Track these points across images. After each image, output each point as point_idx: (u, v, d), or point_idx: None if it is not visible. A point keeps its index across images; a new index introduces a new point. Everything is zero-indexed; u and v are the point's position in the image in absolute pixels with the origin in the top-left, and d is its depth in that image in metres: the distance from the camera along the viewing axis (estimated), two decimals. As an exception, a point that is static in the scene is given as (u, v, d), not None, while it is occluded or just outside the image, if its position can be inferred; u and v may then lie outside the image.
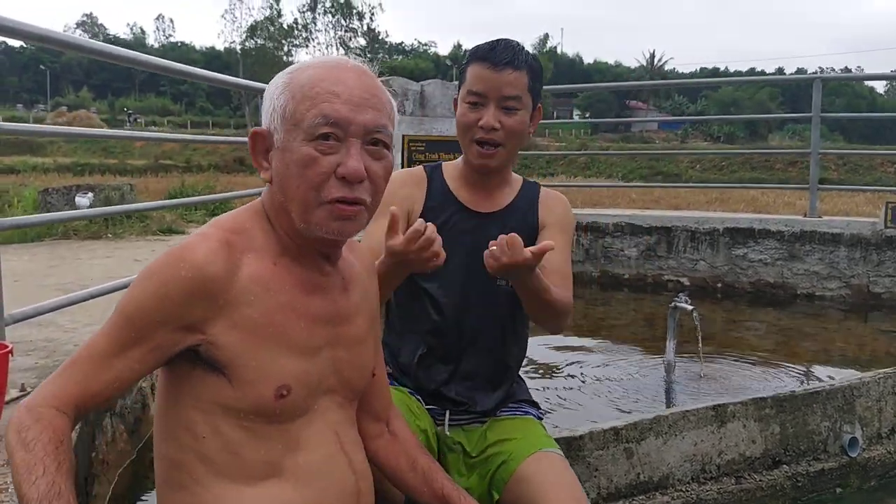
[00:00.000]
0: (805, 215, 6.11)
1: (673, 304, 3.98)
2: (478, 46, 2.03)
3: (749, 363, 4.37)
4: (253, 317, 1.29)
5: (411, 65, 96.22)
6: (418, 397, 2.10)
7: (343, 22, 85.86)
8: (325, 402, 1.41)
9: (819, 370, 4.29)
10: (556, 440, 2.17)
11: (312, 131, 1.29)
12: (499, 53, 1.96)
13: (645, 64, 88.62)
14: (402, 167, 6.30)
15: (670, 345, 4.00)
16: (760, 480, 2.92)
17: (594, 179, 28.07)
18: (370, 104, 1.33)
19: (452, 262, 1.96)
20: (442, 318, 2.06)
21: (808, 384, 3.84)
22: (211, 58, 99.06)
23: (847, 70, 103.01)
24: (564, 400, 3.67)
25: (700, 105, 76.32)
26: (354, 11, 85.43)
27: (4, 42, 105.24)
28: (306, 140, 1.30)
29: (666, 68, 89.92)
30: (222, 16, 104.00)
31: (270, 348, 1.30)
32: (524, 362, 2.31)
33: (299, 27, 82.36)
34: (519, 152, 2.25)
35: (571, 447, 2.51)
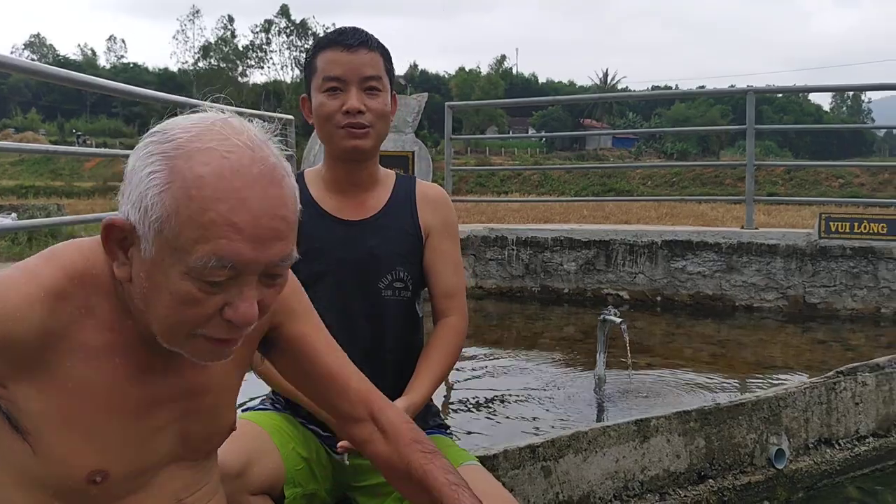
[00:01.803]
0: (743, 227, 6.11)
1: (602, 316, 3.91)
2: (323, 36, 1.92)
3: (683, 376, 4.31)
4: (69, 387, 1.05)
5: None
6: (313, 426, 1.94)
7: (298, 42, 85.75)
8: (167, 473, 1.20)
9: (753, 381, 4.24)
10: (469, 461, 2.06)
11: (201, 272, 0.99)
12: (350, 36, 1.84)
13: (598, 82, 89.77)
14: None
15: (600, 359, 3.92)
16: (685, 496, 2.84)
17: (547, 197, 28.17)
18: (278, 234, 1.03)
19: (326, 280, 1.84)
20: None
21: (739, 396, 3.78)
22: (164, 79, 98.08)
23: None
24: (488, 418, 3.57)
25: (653, 122, 77.37)
26: (310, 32, 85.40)
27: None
28: (188, 277, 1.00)
29: (619, 87, 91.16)
30: (174, 37, 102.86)
31: (87, 427, 1.07)
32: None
33: (253, 48, 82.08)
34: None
35: (485, 467, 2.40)
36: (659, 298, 6.16)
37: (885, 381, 3.48)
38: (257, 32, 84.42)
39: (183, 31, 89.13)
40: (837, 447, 3.31)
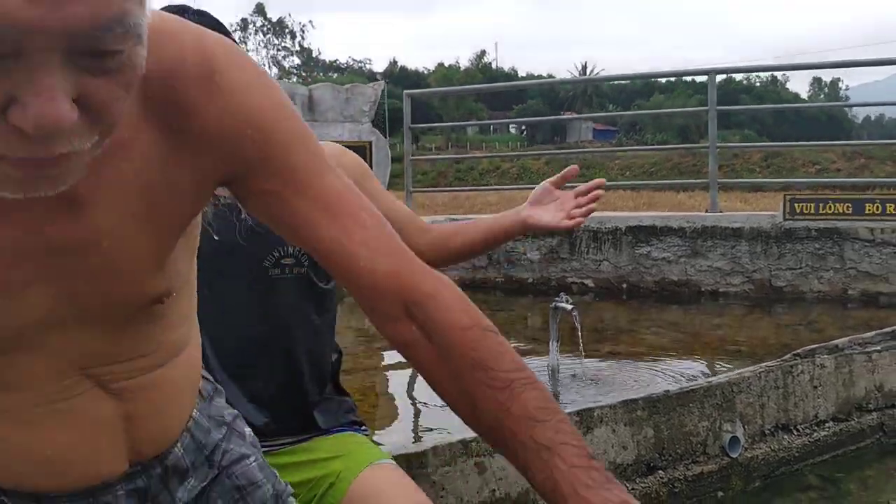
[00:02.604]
0: (707, 211, 5.99)
1: (553, 304, 3.77)
2: None
3: (644, 364, 4.18)
4: None
5: (347, 81, 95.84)
6: None
7: (275, 41, 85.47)
8: (65, 337, 0.96)
9: (715, 368, 4.11)
10: (396, 458, 1.89)
11: None
12: None
13: (577, 75, 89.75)
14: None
15: (553, 347, 3.78)
16: (633, 489, 2.70)
17: (528, 190, 28.05)
18: None
19: (202, 268, 1.69)
20: (213, 338, 1.70)
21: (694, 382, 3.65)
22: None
23: (773, 78, 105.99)
24: (425, 414, 3.42)
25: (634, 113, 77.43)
26: (286, 30, 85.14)
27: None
28: None
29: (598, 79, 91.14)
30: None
31: None
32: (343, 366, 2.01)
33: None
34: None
35: (412, 465, 2.24)
36: (624, 286, 6.03)
37: (845, 362, 3.36)
38: (234, 31, 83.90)
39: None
40: (795, 433, 3.19)
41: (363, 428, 2.01)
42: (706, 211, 6.00)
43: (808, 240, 5.49)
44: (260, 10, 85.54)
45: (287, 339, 1.78)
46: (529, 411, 0.82)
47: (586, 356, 4.38)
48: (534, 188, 1.90)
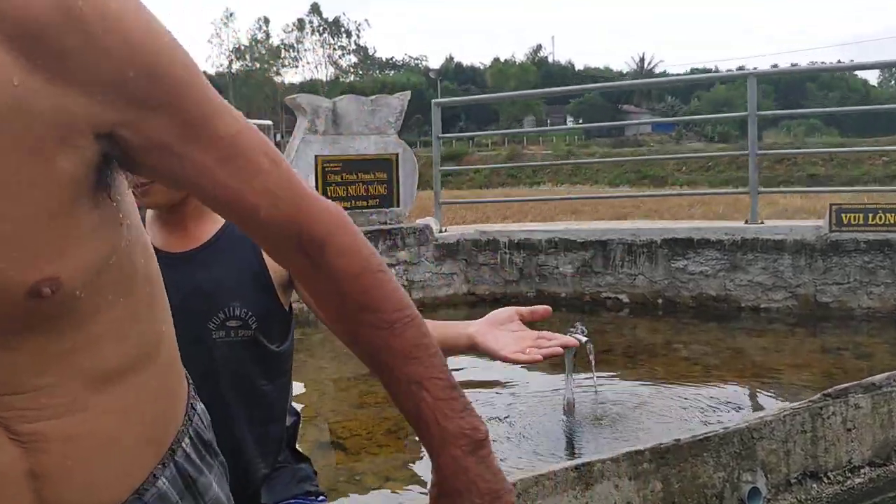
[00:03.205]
0: (747, 222, 5.67)
1: (568, 334, 3.54)
2: None
3: (673, 392, 3.95)
4: None
5: (403, 79, 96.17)
6: None
7: (331, 40, 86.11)
8: None
9: (746, 400, 3.85)
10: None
11: None
12: None
13: (636, 67, 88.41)
14: (317, 190, 5.89)
15: (569, 382, 3.57)
16: (639, 549, 2.49)
17: (581, 187, 27.63)
18: None
19: None
20: None
21: (714, 424, 3.41)
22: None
23: (840, 63, 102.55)
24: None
25: (693, 105, 75.90)
26: (342, 29, 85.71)
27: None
28: None
29: (656, 71, 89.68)
30: (209, 40, 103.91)
31: None
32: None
33: (285, 47, 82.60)
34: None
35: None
36: (660, 301, 5.76)
37: (883, 401, 3.08)
38: (290, 31, 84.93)
39: (217, 34, 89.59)
40: (826, 481, 2.93)
41: (320, 498, 1.86)
42: (746, 222, 5.68)
43: (856, 253, 5.15)
44: (315, 9, 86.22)
45: (228, 410, 1.64)
46: (406, 349, 0.88)
47: (620, 377, 4.20)
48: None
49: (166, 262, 1.58)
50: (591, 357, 3.48)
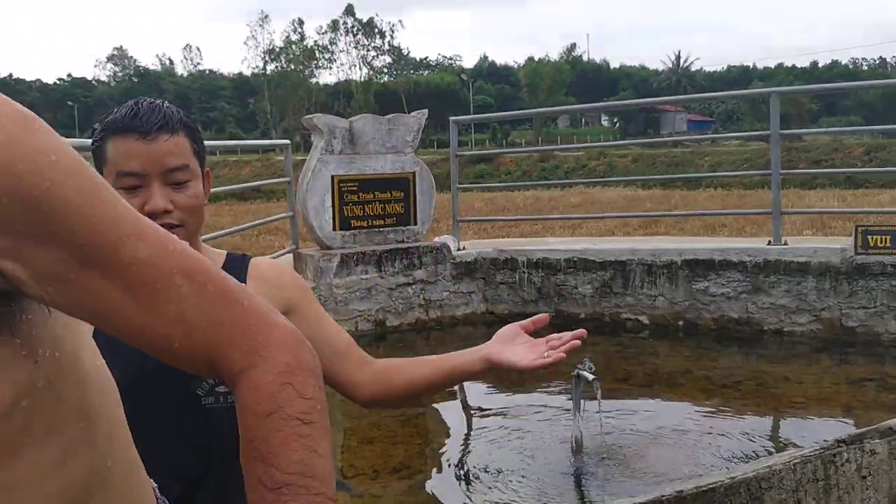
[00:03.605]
0: (770, 243, 5.52)
1: (575, 372, 3.48)
2: (111, 116, 1.55)
3: (687, 426, 3.86)
4: None
5: (437, 79, 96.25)
6: None
7: (365, 41, 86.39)
8: None
9: (764, 435, 3.75)
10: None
11: None
12: (146, 119, 1.47)
13: (671, 66, 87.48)
14: (334, 210, 5.88)
15: (577, 420, 3.49)
16: None
17: (613, 189, 27.31)
18: None
19: (128, 397, 1.53)
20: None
21: (720, 471, 3.32)
22: (239, 83, 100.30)
23: (882, 61, 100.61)
24: (433, 490, 3.21)
25: (730, 104, 74.93)
26: (376, 30, 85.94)
27: (39, 79, 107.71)
28: None
29: (692, 69, 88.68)
30: (245, 42, 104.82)
31: None
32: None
33: (319, 48, 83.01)
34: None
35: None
36: (681, 323, 5.64)
37: (900, 447, 2.96)
38: (324, 33, 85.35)
39: (253, 36, 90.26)
40: (838, 531, 2.83)
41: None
42: (769, 243, 5.54)
43: (882, 276, 5.00)
44: (349, 10, 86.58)
45: (224, 486, 1.58)
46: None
47: (635, 409, 4.13)
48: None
49: None
50: (599, 398, 3.40)
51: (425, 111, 6.24)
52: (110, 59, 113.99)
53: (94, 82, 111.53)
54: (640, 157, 35.29)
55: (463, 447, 3.77)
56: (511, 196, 25.69)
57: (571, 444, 3.51)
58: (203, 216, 1.59)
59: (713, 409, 4.11)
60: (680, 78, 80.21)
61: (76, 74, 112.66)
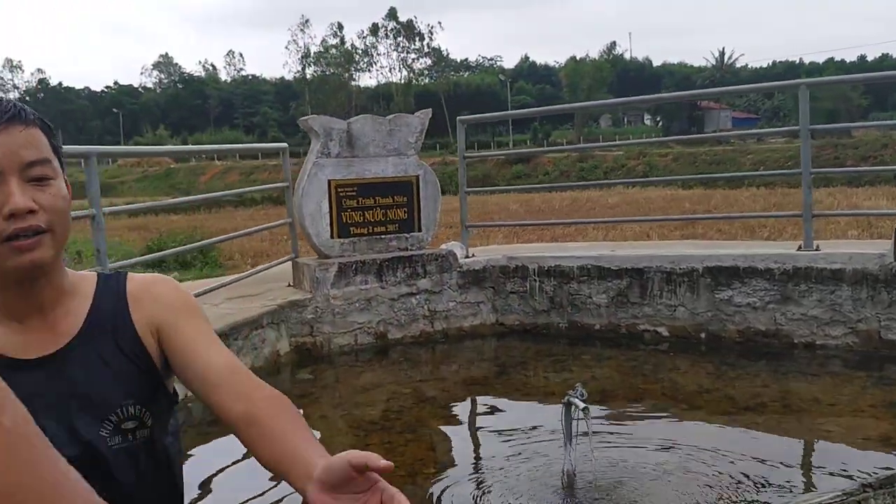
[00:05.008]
0: (800, 248, 5.06)
1: (566, 398, 3.09)
2: None
3: (700, 457, 3.45)
4: None
5: (477, 80, 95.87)
6: None
7: (406, 43, 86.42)
8: None
9: (784, 472, 3.31)
10: None
11: None
12: None
13: (715, 63, 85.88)
14: (332, 216, 5.56)
15: (568, 451, 3.11)
16: None
17: (653, 189, 26.68)
18: None
19: None
20: None
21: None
22: (281, 88, 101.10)
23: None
24: None
25: (776, 100, 73.24)
26: (415, 32, 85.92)
27: (87, 87, 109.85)
28: None
29: (737, 65, 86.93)
30: (286, 46, 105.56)
31: None
32: None
33: (359, 52, 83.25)
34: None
35: None
36: (703, 335, 5.21)
37: (937, 492, 2.54)
38: (364, 36, 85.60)
39: (294, 40, 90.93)
40: (863, 591, 2.42)
41: None
42: (799, 248, 5.07)
43: (926, 284, 4.52)
44: (392, 14, 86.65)
45: None
46: None
47: (647, 435, 3.76)
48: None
49: (29, 370, 1.28)
50: (589, 428, 3.01)
51: (429, 111, 5.90)
52: (156, 66, 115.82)
53: (140, 89, 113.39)
54: (680, 156, 34.46)
55: (447, 483, 3.40)
56: (548, 197, 25.27)
57: (562, 480, 3.13)
58: (69, 224, 1.35)
59: (733, 439, 3.68)
60: (724, 75, 78.56)
61: (122, 82, 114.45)
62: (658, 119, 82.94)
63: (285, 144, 6.21)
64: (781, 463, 3.38)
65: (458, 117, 6.17)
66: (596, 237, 12.52)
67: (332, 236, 5.57)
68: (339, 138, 5.56)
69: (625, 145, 22.30)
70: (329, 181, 5.52)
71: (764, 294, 4.98)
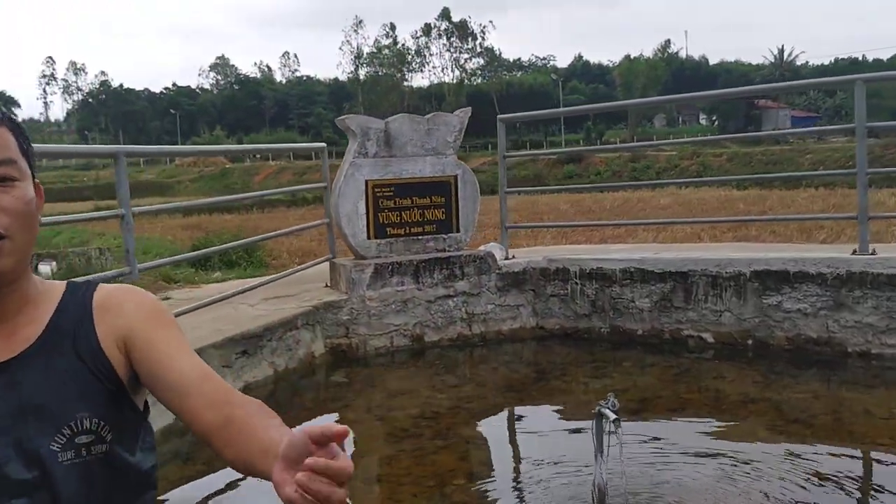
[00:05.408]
0: (855, 252, 4.81)
1: (597, 409, 2.95)
2: None
3: (744, 471, 3.28)
4: None
5: (530, 80, 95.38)
6: None
7: (458, 43, 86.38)
8: None
9: (829, 492, 3.12)
10: None
11: None
12: None
13: (774, 60, 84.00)
14: (368, 217, 5.49)
15: (599, 463, 2.97)
16: None
17: (706, 190, 26.14)
18: None
19: None
20: None
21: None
22: (335, 88, 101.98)
23: None
24: None
25: (838, 98, 71.33)
26: (468, 32, 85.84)
27: (147, 89, 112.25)
28: None
29: (797, 63, 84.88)
30: (340, 47, 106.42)
31: None
32: None
33: (411, 52, 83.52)
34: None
35: None
36: (750, 342, 5.00)
37: None
38: (417, 37, 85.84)
39: (347, 41, 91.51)
40: None
41: None
42: (854, 252, 4.83)
43: None
44: (445, 14, 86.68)
45: None
46: None
47: (687, 448, 3.60)
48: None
49: None
50: (619, 441, 2.86)
51: (468, 109, 5.78)
52: (213, 67, 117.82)
53: (197, 90, 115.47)
54: (735, 156, 33.69)
55: (475, 495, 3.29)
56: (599, 197, 24.92)
57: (593, 494, 2.99)
58: (35, 231, 1.29)
59: (779, 453, 3.49)
60: (783, 73, 76.75)
61: (181, 83, 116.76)
62: (714, 118, 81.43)
63: (323, 144, 6.16)
64: (831, 480, 3.19)
65: (498, 116, 6.04)
66: (646, 238, 12.25)
67: (368, 237, 5.50)
68: (377, 138, 5.48)
69: (668, 144, 21.86)
70: (366, 181, 5.45)
71: (815, 300, 4.75)
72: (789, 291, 4.83)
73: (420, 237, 5.63)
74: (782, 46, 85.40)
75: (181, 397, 1.26)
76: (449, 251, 5.66)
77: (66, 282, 1.41)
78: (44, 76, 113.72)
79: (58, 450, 1.21)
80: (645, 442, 3.65)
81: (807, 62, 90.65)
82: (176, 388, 1.26)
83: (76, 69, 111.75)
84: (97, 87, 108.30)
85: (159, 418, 4.08)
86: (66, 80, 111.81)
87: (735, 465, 3.35)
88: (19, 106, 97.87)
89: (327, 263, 5.95)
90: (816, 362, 4.74)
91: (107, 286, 1.41)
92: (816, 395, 4.31)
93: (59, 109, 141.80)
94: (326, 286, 5.81)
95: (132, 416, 1.33)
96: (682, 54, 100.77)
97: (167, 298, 5.91)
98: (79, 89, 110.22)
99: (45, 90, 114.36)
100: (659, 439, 3.73)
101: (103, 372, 1.28)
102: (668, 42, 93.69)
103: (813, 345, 4.79)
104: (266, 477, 1.07)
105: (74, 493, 1.22)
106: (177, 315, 4.66)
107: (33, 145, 1.35)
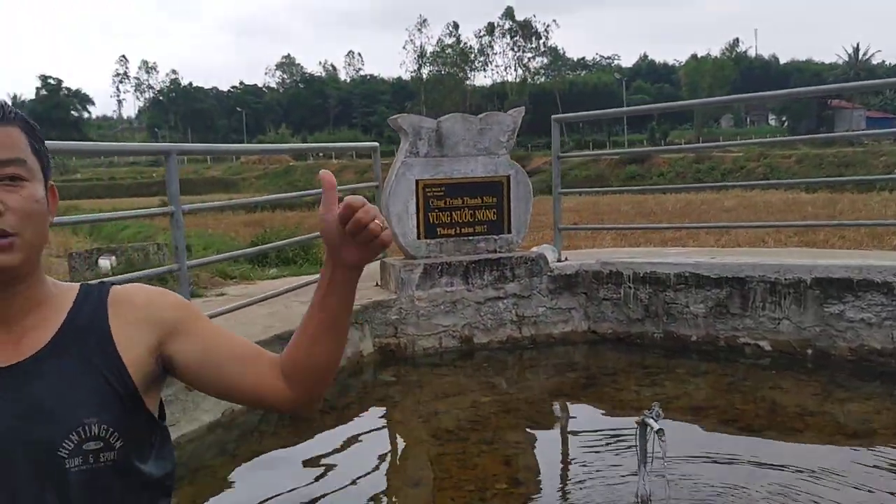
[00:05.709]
0: (924, 260, 4.61)
1: (641, 417, 2.87)
2: None
3: (796, 490, 3.15)
4: None
5: (594, 79, 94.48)
6: None
7: (522, 42, 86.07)
8: None
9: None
10: None
11: None
12: None
13: (848, 59, 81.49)
14: (418, 217, 5.47)
15: (642, 473, 2.88)
16: None
17: (774, 193, 25.46)
18: None
19: None
20: None
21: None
22: (398, 87, 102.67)
23: None
24: None
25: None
26: (532, 31, 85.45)
27: (215, 87, 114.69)
28: None
29: (873, 62, 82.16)
30: (403, 46, 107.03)
31: None
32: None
33: (475, 52, 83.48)
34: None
35: None
36: (810, 352, 4.82)
37: None
38: (481, 36, 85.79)
39: (411, 40, 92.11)
40: None
41: None
42: (923, 260, 4.62)
43: None
44: (509, 13, 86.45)
45: None
46: None
47: (739, 460, 3.48)
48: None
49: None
50: (662, 449, 2.77)
51: (521, 109, 5.71)
52: (279, 66, 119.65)
53: (264, 89, 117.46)
54: (804, 158, 32.75)
55: (520, 501, 3.23)
56: (661, 199, 24.50)
57: (636, 501, 2.91)
58: (45, 231, 1.28)
59: (837, 469, 3.34)
60: (858, 72, 74.37)
61: (248, 82, 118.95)
62: (784, 119, 79.47)
63: (376, 144, 6.16)
64: (894, 499, 3.04)
65: (552, 116, 5.95)
66: (707, 241, 11.97)
67: (418, 237, 5.48)
68: (428, 137, 5.45)
69: (731, 145, 21.27)
70: (417, 181, 5.43)
71: (881, 309, 4.55)
72: (853, 300, 4.64)
73: (471, 238, 5.58)
74: (857, 45, 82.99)
75: (245, 367, 1.36)
76: (500, 252, 5.60)
77: (79, 284, 1.40)
78: (117, 74, 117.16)
79: (65, 456, 1.20)
80: (696, 451, 3.54)
81: (883, 61, 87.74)
82: (237, 363, 1.36)
83: (148, 68, 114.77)
84: (167, 85, 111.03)
85: (206, 415, 4.13)
86: (137, 79, 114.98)
87: (788, 482, 3.22)
88: (94, 104, 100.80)
89: (377, 262, 5.95)
90: (881, 374, 4.54)
91: (122, 286, 1.40)
92: (878, 410, 4.12)
93: (131, 107, 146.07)
94: (376, 285, 5.81)
95: (145, 422, 1.31)
96: (752, 53, 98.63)
97: (222, 294, 5.99)
98: (150, 87, 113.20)
99: (118, 88, 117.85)
100: (710, 450, 3.62)
101: (115, 375, 1.27)
102: (736, 41, 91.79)
103: (877, 356, 4.59)
104: (327, 293, 1.31)
105: (82, 500, 1.21)
106: (229, 310, 4.72)
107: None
